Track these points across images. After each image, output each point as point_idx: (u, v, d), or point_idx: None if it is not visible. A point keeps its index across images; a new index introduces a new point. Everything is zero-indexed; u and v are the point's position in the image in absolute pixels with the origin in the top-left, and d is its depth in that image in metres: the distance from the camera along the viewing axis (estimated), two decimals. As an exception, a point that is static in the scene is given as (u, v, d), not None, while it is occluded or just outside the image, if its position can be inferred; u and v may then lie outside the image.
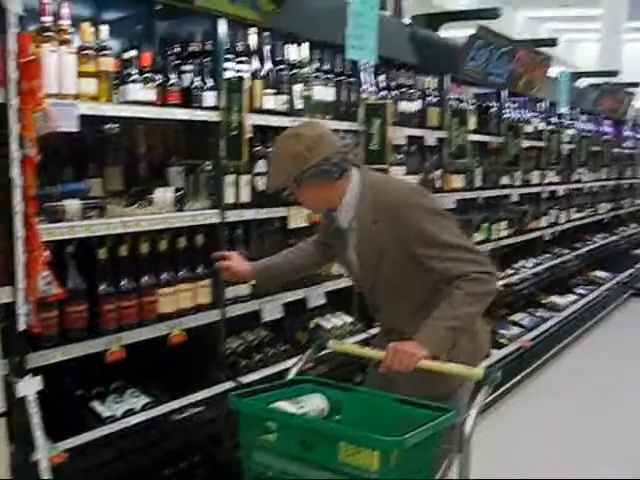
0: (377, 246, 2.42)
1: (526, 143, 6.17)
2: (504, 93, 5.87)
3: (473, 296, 2.31)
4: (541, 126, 6.74)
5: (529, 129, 6.41)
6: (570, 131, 7.49)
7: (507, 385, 5.40)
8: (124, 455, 2.77)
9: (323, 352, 2.57)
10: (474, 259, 2.37)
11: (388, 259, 2.42)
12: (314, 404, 2.09)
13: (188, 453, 3.21)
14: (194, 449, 3.22)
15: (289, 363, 3.42)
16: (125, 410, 2.84)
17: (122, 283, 2.80)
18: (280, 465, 1.89)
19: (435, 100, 4.88)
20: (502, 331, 5.74)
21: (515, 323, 6.05)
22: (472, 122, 5.32)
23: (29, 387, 2.25)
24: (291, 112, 3.55)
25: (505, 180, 6.01)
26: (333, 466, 1.78)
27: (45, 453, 2.31)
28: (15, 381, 2.23)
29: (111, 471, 2.73)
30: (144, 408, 2.89)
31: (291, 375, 2.37)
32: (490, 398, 5.06)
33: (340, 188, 2.45)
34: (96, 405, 2.84)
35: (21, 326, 2.21)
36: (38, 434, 2.28)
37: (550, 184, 7.06)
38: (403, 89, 4.55)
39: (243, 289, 3.33)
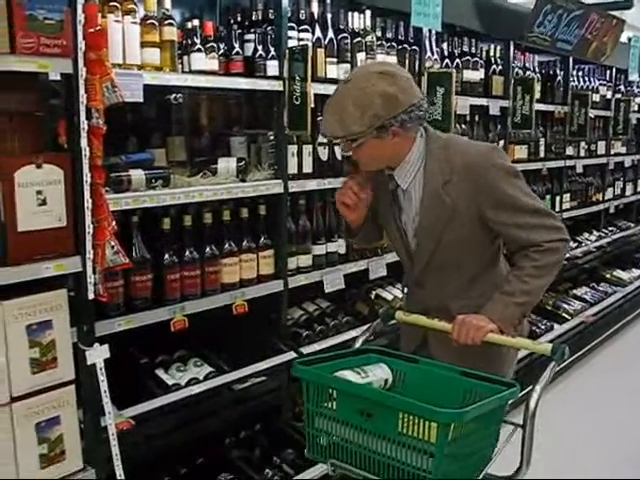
0: (444, 210, 2.21)
1: (593, 112, 5.97)
2: (571, 60, 5.68)
3: (545, 268, 2.18)
4: (609, 94, 6.52)
5: (596, 98, 6.21)
6: (640, 99, 7.24)
7: (568, 361, 5.30)
8: (187, 423, 2.81)
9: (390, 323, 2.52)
10: (554, 225, 2.22)
11: (454, 225, 2.22)
12: (378, 374, 2.07)
13: (249, 422, 3.24)
14: (255, 418, 3.25)
15: (350, 334, 3.45)
16: (189, 379, 2.86)
17: (185, 253, 2.81)
18: (341, 433, 1.88)
19: (499, 68, 4.76)
20: (564, 305, 5.64)
21: (577, 297, 5.94)
22: (537, 91, 5.16)
23: (97, 355, 2.29)
24: (353, 81, 3.49)
25: (570, 151, 5.86)
26: (392, 436, 1.76)
27: (112, 420, 2.34)
28: (84, 349, 2.26)
29: (174, 439, 2.78)
30: (207, 377, 2.91)
31: (357, 345, 2.33)
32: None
33: (412, 142, 2.22)
34: (160, 373, 2.88)
35: (90, 295, 2.24)
36: (106, 401, 2.32)
37: (617, 155, 6.84)
38: (466, 57, 4.44)
39: (305, 260, 3.32)
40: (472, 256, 2.32)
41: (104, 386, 2.30)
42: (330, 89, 3.30)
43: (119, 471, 2.36)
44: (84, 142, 2.15)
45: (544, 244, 2.17)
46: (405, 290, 2.59)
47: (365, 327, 2.53)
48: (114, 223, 2.29)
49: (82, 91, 2.13)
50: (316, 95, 3.21)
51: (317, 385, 1.93)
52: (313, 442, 1.96)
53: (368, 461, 1.82)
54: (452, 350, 2.19)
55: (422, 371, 2.11)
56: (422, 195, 2.26)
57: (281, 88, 3.10)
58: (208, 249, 2.90)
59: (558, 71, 5.66)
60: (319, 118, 3.35)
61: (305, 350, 3.24)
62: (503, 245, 2.41)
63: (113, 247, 2.29)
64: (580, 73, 6.04)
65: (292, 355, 3.17)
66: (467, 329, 2.11)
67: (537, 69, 5.41)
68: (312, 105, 3.16)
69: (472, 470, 1.87)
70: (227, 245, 2.97)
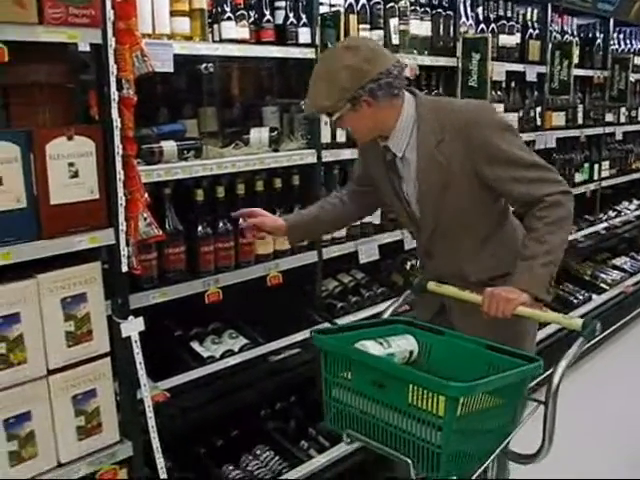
0: (441, 172, 2.17)
1: (634, 77, 5.80)
2: (612, 22, 5.50)
3: (557, 223, 2.11)
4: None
5: (638, 61, 6.01)
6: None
7: (606, 332, 5.22)
8: (222, 395, 2.80)
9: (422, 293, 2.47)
10: (553, 178, 2.16)
11: (453, 186, 2.18)
12: (402, 345, 2.03)
13: (284, 394, 3.24)
14: (290, 390, 3.25)
15: (386, 305, 3.41)
16: (224, 351, 2.86)
17: (219, 225, 2.79)
18: (356, 403, 1.86)
19: (536, 33, 4.65)
20: (602, 275, 5.54)
21: (616, 267, 5.83)
22: (575, 55, 5.02)
23: (132, 328, 2.28)
24: (387, 48, 3.40)
25: (609, 117, 5.71)
26: (403, 408, 1.73)
27: (148, 392, 2.34)
28: (119, 322, 2.26)
29: (209, 411, 2.78)
30: (242, 349, 2.91)
31: (386, 315, 2.30)
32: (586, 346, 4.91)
33: (396, 109, 2.18)
34: (195, 346, 2.87)
35: (123, 268, 2.22)
36: (141, 373, 2.31)
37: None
38: (502, 21, 4.33)
39: (339, 231, 3.28)
40: (477, 218, 2.27)
41: (139, 358, 2.30)
42: (363, 56, 3.28)
43: (155, 443, 2.37)
44: (115, 113, 2.12)
45: (546, 198, 2.11)
46: (418, 262, 2.55)
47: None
48: (146, 195, 2.27)
49: (112, 61, 2.09)
50: (349, 62, 3.15)
51: (334, 355, 1.91)
52: (330, 412, 1.95)
53: (382, 433, 1.79)
54: (474, 320, 2.14)
55: (448, 343, 2.06)
56: (417, 159, 2.22)
57: (313, 56, 3.04)
58: (241, 220, 2.87)
59: (597, 34, 5.49)
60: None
61: (340, 322, 3.21)
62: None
63: (146, 219, 2.27)
64: (621, 36, 5.86)
65: (327, 327, 3.14)
66: (497, 301, 2.05)
67: (576, 32, 5.25)
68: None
69: (489, 447, 1.81)
70: (261, 216, 2.94)
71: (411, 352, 2.05)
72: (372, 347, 1.94)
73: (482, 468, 1.80)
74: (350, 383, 1.88)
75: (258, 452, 2.98)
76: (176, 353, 2.85)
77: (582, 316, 5.02)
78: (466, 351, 2.00)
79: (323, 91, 2.09)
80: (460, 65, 3.92)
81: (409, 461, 1.72)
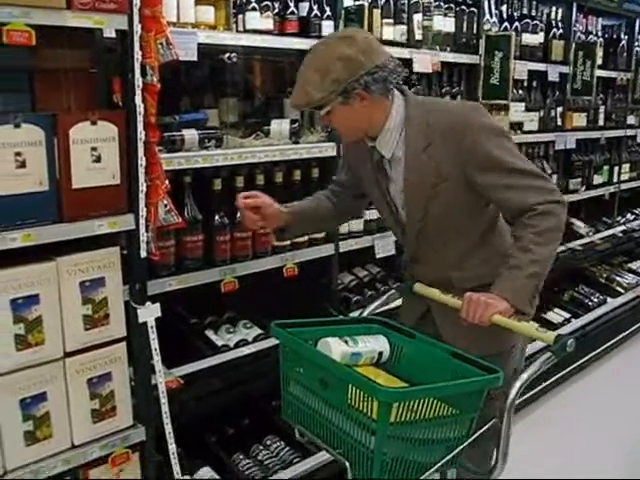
0: (427, 175, 2.08)
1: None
2: (638, 23, 5.46)
3: (545, 233, 1.98)
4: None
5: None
6: None
7: (620, 336, 5.21)
8: (234, 385, 2.82)
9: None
10: (545, 187, 2.04)
11: (441, 190, 2.08)
12: (370, 346, 1.97)
13: (296, 385, 3.24)
14: (302, 382, 3.25)
15: (401, 301, 3.41)
16: (238, 340, 2.88)
17: (237, 215, 2.79)
18: (306, 399, 1.84)
19: (560, 32, 4.62)
20: (618, 279, 5.50)
21: (632, 271, 5.78)
22: (599, 56, 4.98)
23: (149, 313, 2.29)
24: (409, 43, 3.43)
25: (631, 120, 5.66)
26: (343, 407, 1.69)
27: (162, 378, 2.36)
28: (136, 307, 2.27)
29: (221, 399, 2.79)
30: (256, 339, 2.92)
31: (365, 313, 2.25)
32: (600, 349, 4.90)
33: (388, 106, 2.09)
34: (210, 334, 2.89)
35: (142, 253, 2.24)
36: (156, 359, 2.33)
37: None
38: (526, 20, 4.31)
39: (356, 225, 3.28)
40: (465, 224, 2.18)
41: (155, 344, 2.31)
42: (386, 51, 3.28)
43: (168, 429, 2.39)
44: (138, 99, 2.13)
45: (538, 207, 2.00)
46: (403, 269, 2.45)
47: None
48: (167, 182, 2.28)
49: (137, 48, 2.10)
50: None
51: (290, 348, 1.89)
52: (286, 405, 1.94)
53: (326, 431, 1.77)
54: (455, 329, 2.08)
55: (417, 347, 1.99)
56: (405, 161, 2.14)
57: (336, 49, 3.03)
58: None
59: (622, 35, 5.44)
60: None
61: (355, 315, 3.21)
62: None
63: (166, 206, 2.29)
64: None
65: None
66: (475, 307, 1.94)
67: (600, 33, 5.21)
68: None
69: (437, 458, 1.73)
70: (279, 207, 2.95)
71: (380, 353, 2.00)
72: (335, 345, 1.90)
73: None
74: (302, 378, 1.86)
75: (268, 442, 2.99)
76: (191, 341, 2.87)
77: (596, 319, 5.03)
78: (434, 357, 1.92)
79: (314, 82, 1.97)
80: (482, 62, 3.90)
81: (347, 463, 1.69)
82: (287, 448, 2.96)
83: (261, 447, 2.97)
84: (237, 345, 2.86)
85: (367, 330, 2.07)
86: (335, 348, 1.89)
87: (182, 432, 2.55)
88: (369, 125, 2.11)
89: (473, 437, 1.74)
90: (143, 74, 2.14)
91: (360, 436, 1.65)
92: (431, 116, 2.09)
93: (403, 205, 2.21)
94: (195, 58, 2.48)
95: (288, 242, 2.96)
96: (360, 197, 2.45)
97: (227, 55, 2.86)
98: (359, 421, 1.64)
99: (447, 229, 2.18)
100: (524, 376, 1.80)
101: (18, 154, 1.93)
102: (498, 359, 1.96)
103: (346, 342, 1.93)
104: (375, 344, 2.00)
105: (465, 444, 1.74)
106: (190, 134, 2.58)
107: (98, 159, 2.09)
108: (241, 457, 2.89)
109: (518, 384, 1.79)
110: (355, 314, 3.21)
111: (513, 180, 2.03)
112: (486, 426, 1.78)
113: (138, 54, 2.11)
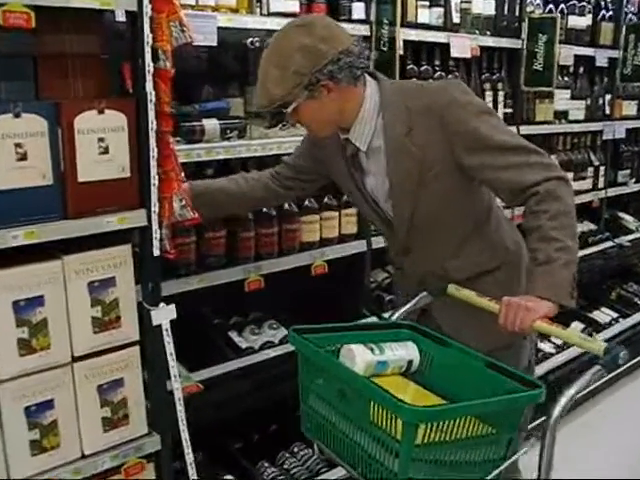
0: (413, 162, 1.94)
1: None
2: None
3: (560, 216, 1.80)
4: None
5: None
6: None
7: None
8: (259, 389, 2.69)
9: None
10: (541, 161, 1.88)
11: (430, 178, 1.95)
12: (398, 354, 1.79)
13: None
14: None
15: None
16: (263, 342, 2.76)
17: (262, 210, 2.65)
18: (326, 413, 1.66)
19: (609, 14, 4.40)
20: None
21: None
22: (652, 40, 4.75)
23: (163, 315, 2.15)
24: (446, 27, 3.27)
25: (685, 108, 5.38)
26: (364, 425, 1.52)
27: (179, 383, 2.22)
28: (149, 309, 2.13)
29: (246, 404, 2.66)
30: (283, 341, 2.79)
31: (395, 317, 2.08)
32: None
33: (359, 94, 1.95)
34: (233, 336, 2.76)
35: (155, 251, 2.09)
36: (172, 364, 2.19)
37: None
38: (573, 1, 4.11)
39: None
40: (459, 210, 2.04)
41: (170, 348, 2.17)
42: (421, 35, 3.11)
43: (185, 436, 2.24)
44: (149, 86, 1.98)
45: (538, 188, 1.83)
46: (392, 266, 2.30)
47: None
48: (183, 175, 2.14)
49: (147, 30, 1.94)
50: (405, 41, 3.02)
51: (307, 357, 1.71)
52: (306, 419, 1.76)
53: (347, 449, 1.59)
54: (457, 319, 1.98)
55: (449, 355, 1.79)
56: (385, 151, 1.99)
57: (367, 33, 2.89)
58: (286, 206, 2.73)
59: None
60: (409, 67, 3.15)
61: (388, 315, 3.05)
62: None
63: (181, 200, 2.14)
64: None
65: (374, 320, 2.99)
66: (515, 312, 1.73)
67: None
68: (401, 52, 2.96)
69: None
70: (307, 202, 2.81)
71: (410, 362, 1.82)
72: (359, 352, 1.72)
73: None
74: (321, 390, 1.69)
75: (296, 450, 2.85)
76: (213, 343, 2.76)
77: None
78: (467, 367, 1.73)
79: (274, 78, 1.85)
80: (525, 47, 3.73)
81: None
82: (314, 456, 2.81)
83: (288, 455, 2.84)
84: (262, 347, 2.74)
85: (395, 336, 1.90)
86: (359, 356, 1.72)
87: (204, 439, 2.43)
88: (341, 117, 1.97)
89: (511, 460, 1.56)
90: (155, 58, 1.99)
91: (382, 457, 1.48)
92: (409, 99, 1.95)
93: (386, 198, 2.08)
94: (215, 43, 2.36)
95: (317, 238, 2.82)
96: (309, 182, 2.38)
97: (249, 40, 2.71)
98: (381, 440, 1.48)
99: (438, 219, 2.04)
100: (571, 392, 1.59)
101: (19, 145, 1.79)
102: (508, 353, 1.85)
103: (372, 349, 1.75)
104: (404, 352, 1.82)
105: (503, 467, 1.56)
106: (211, 124, 2.46)
107: (106, 150, 1.94)
108: (266, 465, 2.76)
109: (564, 401, 1.58)
110: (388, 314, 3.05)
111: (505, 159, 1.88)
112: (523, 450, 1.60)
113: (149, 37, 1.96)
